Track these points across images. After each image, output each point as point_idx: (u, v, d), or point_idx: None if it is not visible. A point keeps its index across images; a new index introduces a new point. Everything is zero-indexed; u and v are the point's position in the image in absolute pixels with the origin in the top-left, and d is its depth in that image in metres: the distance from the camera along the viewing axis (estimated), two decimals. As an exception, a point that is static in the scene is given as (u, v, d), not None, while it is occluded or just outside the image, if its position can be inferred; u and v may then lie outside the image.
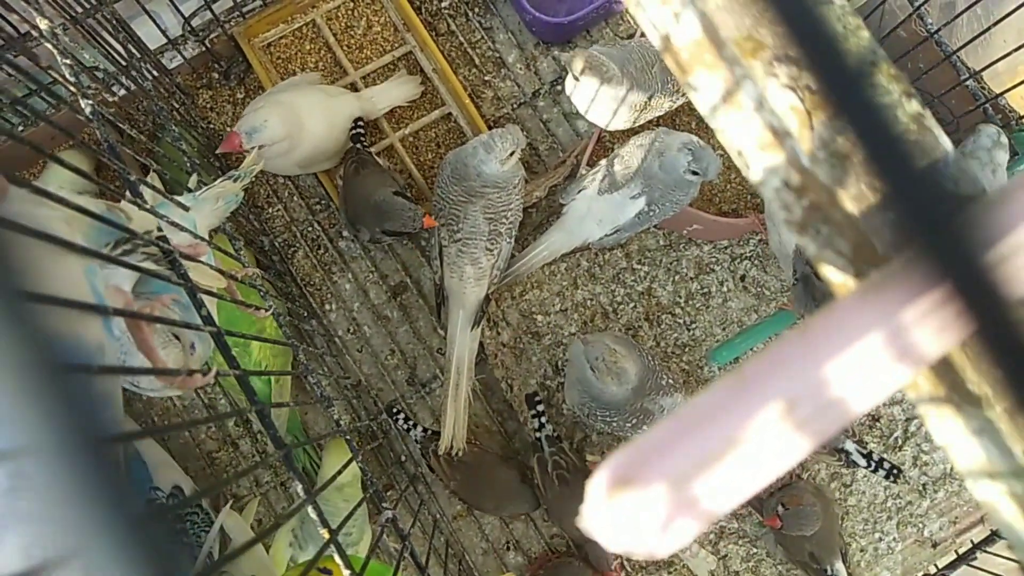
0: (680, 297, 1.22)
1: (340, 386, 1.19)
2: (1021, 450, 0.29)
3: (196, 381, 0.57)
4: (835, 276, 0.33)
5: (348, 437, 0.91)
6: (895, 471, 1.14)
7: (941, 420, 0.32)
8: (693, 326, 1.21)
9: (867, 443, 1.18)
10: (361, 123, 1.15)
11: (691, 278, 1.22)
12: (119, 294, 0.53)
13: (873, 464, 1.14)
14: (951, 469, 1.20)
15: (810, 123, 0.32)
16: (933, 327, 0.25)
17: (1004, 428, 0.29)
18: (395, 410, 1.18)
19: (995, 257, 0.22)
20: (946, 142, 0.31)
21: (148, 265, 0.55)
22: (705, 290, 1.22)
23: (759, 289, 1.22)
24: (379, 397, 1.23)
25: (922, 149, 0.31)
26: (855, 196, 0.31)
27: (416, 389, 1.23)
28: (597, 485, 0.24)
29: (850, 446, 1.15)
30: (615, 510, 0.24)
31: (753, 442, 0.23)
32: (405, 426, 1.17)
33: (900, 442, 1.20)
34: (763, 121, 0.33)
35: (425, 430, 1.16)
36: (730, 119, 0.34)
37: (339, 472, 0.75)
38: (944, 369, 0.30)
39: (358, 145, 1.13)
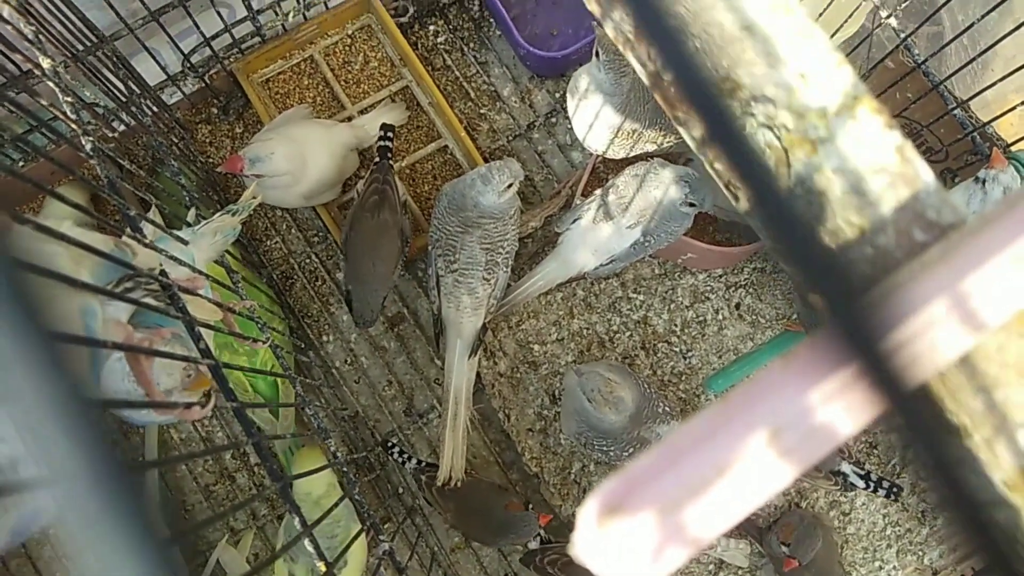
0: (676, 325, 1.23)
1: (337, 417, 1.19)
2: (1000, 479, 0.29)
3: (195, 414, 0.57)
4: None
5: (345, 469, 0.91)
6: (895, 489, 1.14)
7: (928, 446, 0.32)
8: (689, 354, 1.22)
9: (864, 464, 1.18)
10: (391, 132, 1.16)
11: (687, 306, 1.23)
12: (119, 327, 0.54)
13: (872, 484, 1.14)
14: (950, 496, 1.19)
15: (787, 160, 0.32)
16: (916, 353, 0.25)
17: (983, 458, 0.29)
18: (390, 444, 1.18)
19: (901, 336, 0.23)
20: (927, 172, 0.32)
21: (149, 300, 0.56)
22: (701, 318, 1.23)
23: (754, 317, 1.23)
24: (376, 428, 1.23)
25: (904, 179, 0.32)
26: (832, 231, 0.32)
27: (413, 420, 1.23)
28: (588, 512, 0.25)
29: (846, 468, 1.15)
30: (606, 537, 0.24)
31: (740, 469, 0.24)
32: (400, 459, 1.17)
33: (898, 468, 1.20)
34: (748, 154, 0.34)
35: (419, 462, 1.16)
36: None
37: (333, 507, 0.75)
38: (924, 400, 0.31)
39: (386, 161, 1.13)
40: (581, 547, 0.24)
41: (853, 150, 0.32)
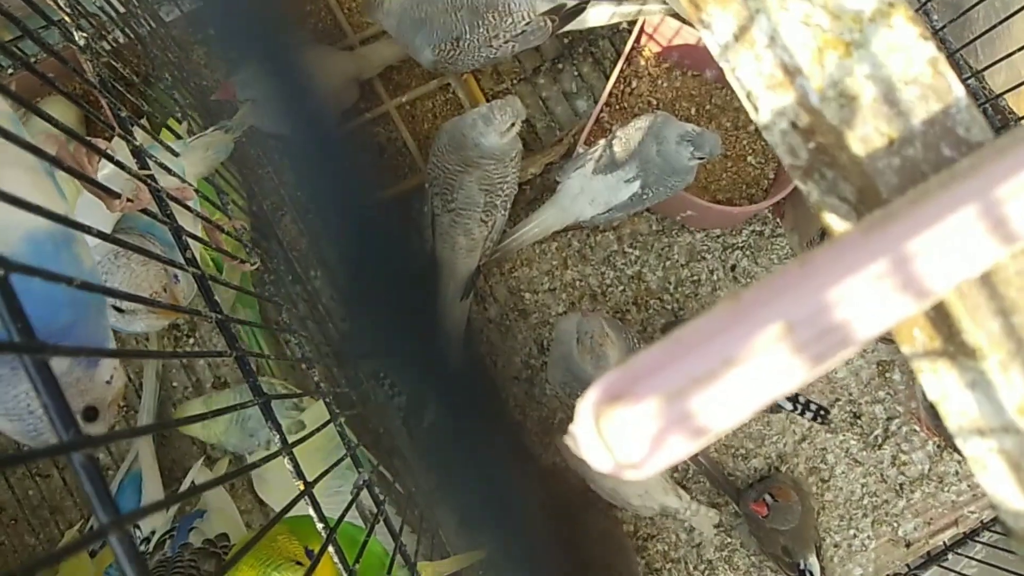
0: (670, 283, 1.21)
1: (320, 353, 1.18)
2: (1014, 404, 0.28)
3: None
4: (838, 224, 0.32)
5: (328, 399, 0.90)
6: (822, 412, 1.17)
7: (935, 374, 0.31)
8: (681, 313, 1.21)
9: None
10: None
11: (682, 265, 1.22)
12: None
13: (799, 407, 1.17)
14: (928, 470, 1.20)
15: (822, 60, 0.31)
16: (940, 259, 0.24)
17: (996, 381, 0.28)
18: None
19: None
20: (959, 88, 0.30)
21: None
22: (695, 278, 1.22)
23: (749, 280, 1.22)
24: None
25: (936, 93, 0.30)
26: (862, 137, 0.30)
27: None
28: (587, 401, 0.23)
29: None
30: (605, 426, 0.23)
31: (750, 362, 0.23)
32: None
33: (880, 440, 1.20)
34: (775, 58, 0.32)
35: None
36: (741, 57, 0.33)
37: (318, 428, 0.74)
38: (941, 318, 0.30)
39: None
40: (579, 437, 0.23)
41: (886, 57, 0.30)
